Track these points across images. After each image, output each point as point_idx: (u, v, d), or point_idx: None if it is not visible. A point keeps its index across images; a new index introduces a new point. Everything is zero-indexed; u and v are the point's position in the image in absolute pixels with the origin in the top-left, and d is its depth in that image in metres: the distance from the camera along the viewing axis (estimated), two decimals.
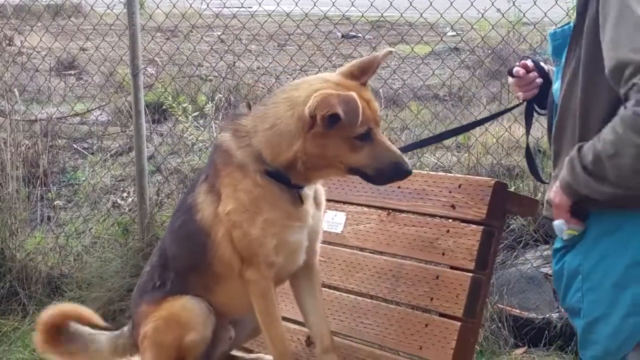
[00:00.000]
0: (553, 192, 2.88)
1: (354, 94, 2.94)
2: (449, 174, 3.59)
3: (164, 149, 7.30)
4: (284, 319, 3.40)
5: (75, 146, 8.25)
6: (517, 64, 3.30)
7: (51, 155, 7.71)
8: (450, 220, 3.36)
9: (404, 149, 3.51)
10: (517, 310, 5.51)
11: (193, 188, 3.34)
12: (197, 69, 8.70)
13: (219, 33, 9.53)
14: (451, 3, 6.04)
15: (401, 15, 6.34)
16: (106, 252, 6.33)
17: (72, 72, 10.13)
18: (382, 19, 6.74)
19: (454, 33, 9.27)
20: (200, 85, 8.18)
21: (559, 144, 2.94)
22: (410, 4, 6.16)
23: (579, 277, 2.89)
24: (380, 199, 3.58)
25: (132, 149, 6.86)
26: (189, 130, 6.95)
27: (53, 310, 3.56)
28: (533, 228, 5.95)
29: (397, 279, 3.44)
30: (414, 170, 3.14)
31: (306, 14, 6.47)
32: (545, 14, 5.75)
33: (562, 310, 5.08)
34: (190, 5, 6.89)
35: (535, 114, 3.40)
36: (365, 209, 3.65)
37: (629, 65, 2.61)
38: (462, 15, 6.06)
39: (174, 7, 6.87)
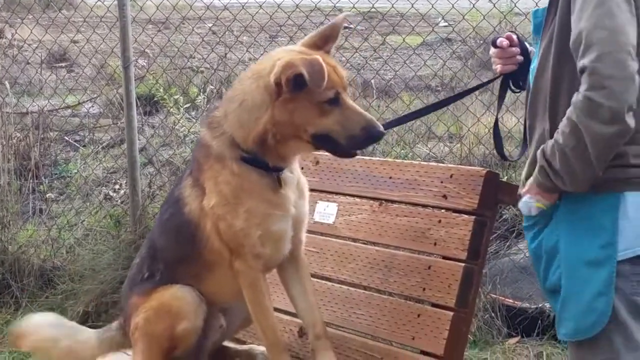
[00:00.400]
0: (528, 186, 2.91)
1: (317, 57, 2.95)
2: (440, 164, 3.59)
3: (155, 141, 7.29)
4: (276, 309, 3.39)
5: (66, 138, 8.24)
6: (503, 36, 3.30)
7: (43, 147, 7.70)
8: (442, 211, 3.35)
9: (384, 127, 3.54)
10: (510, 300, 5.52)
11: (180, 181, 3.35)
12: (188, 61, 8.68)
13: (210, 25, 9.51)
14: None
15: (392, 6, 6.34)
16: (98, 244, 6.33)
17: (63, 64, 10.12)
18: (373, 9, 6.74)
19: (446, 23, 9.26)
20: (191, 77, 8.16)
21: (532, 119, 2.96)
22: None
23: (558, 255, 2.91)
24: (372, 190, 3.58)
25: (123, 141, 6.84)
26: (181, 122, 6.94)
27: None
28: None
29: (389, 270, 3.44)
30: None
31: (297, 5, 6.46)
32: (537, 4, 5.75)
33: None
34: None
35: (509, 92, 3.41)
36: (357, 199, 3.64)
37: (582, 42, 2.65)
38: (453, 6, 6.05)
39: None
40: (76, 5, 9.24)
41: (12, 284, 6.25)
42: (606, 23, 2.65)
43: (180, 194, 3.27)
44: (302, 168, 3.47)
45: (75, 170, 7.62)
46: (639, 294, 2.85)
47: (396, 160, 3.96)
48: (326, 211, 3.71)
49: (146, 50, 8.50)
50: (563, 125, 2.73)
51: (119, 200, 6.96)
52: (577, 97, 2.68)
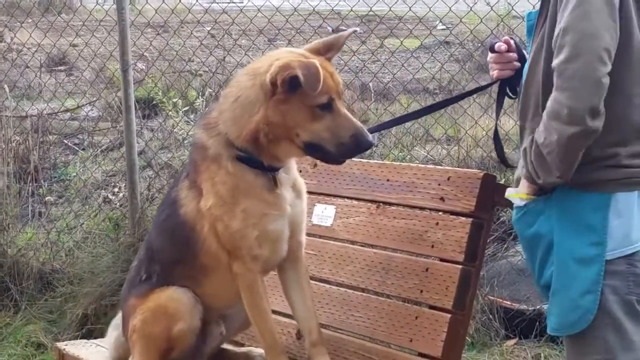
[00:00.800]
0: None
1: (315, 61, 2.97)
2: (438, 167, 3.60)
3: (154, 144, 7.30)
4: (275, 312, 3.40)
5: (66, 142, 8.24)
6: (501, 40, 3.31)
7: (42, 151, 7.70)
8: (439, 213, 3.36)
9: (378, 128, 3.54)
10: (508, 302, 5.52)
11: (176, 183, 3.37)
12: (187, 64, 8.69)
13: (208, 28, 9.53)
14: None
15: (390, 9, 6.35)
16: (97, 247, 6.33)
17: (62, 68, 10.12)
18: (371, 13, 6.76)
19: (444, 27, 9.27)
20: (190, 80, 8.17)
21: (523, 121, 2.98)
22: None
23: (552, 251, 2.92)
24: (370, 192, 3.59)
25: (122, 144, 6.84)
26: (180, 125, 6.95)
27: None
28: None
29: (387, 272, 3.45)
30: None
31: (295, 8, 6.47)
32: (534, 6, 5.75)
33: None
34: (180, 0, 6.88)
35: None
36: (355, 202, 3.65)
37: (557, 40, 2.68)
38: (450, 9, 6.06)
39: (164, 2, 6.87)
40: (75, 9, 9.26)
41: (11, 287, 6.26)
42: (580, 26, 2.66)
43: (177, 196, 3.28)
44: (300, 171, 3.47)
45: (75, 174, 7.62)
46: (634, 294, 2.86)
47: (394, 162, 3.98)
48: (324, 214, 3.72)
49: (145, 53, 8.50)
50: (540, 127, 2.77)
51: (118, 203, 6.97)
52: (548, 101, 2.72)
